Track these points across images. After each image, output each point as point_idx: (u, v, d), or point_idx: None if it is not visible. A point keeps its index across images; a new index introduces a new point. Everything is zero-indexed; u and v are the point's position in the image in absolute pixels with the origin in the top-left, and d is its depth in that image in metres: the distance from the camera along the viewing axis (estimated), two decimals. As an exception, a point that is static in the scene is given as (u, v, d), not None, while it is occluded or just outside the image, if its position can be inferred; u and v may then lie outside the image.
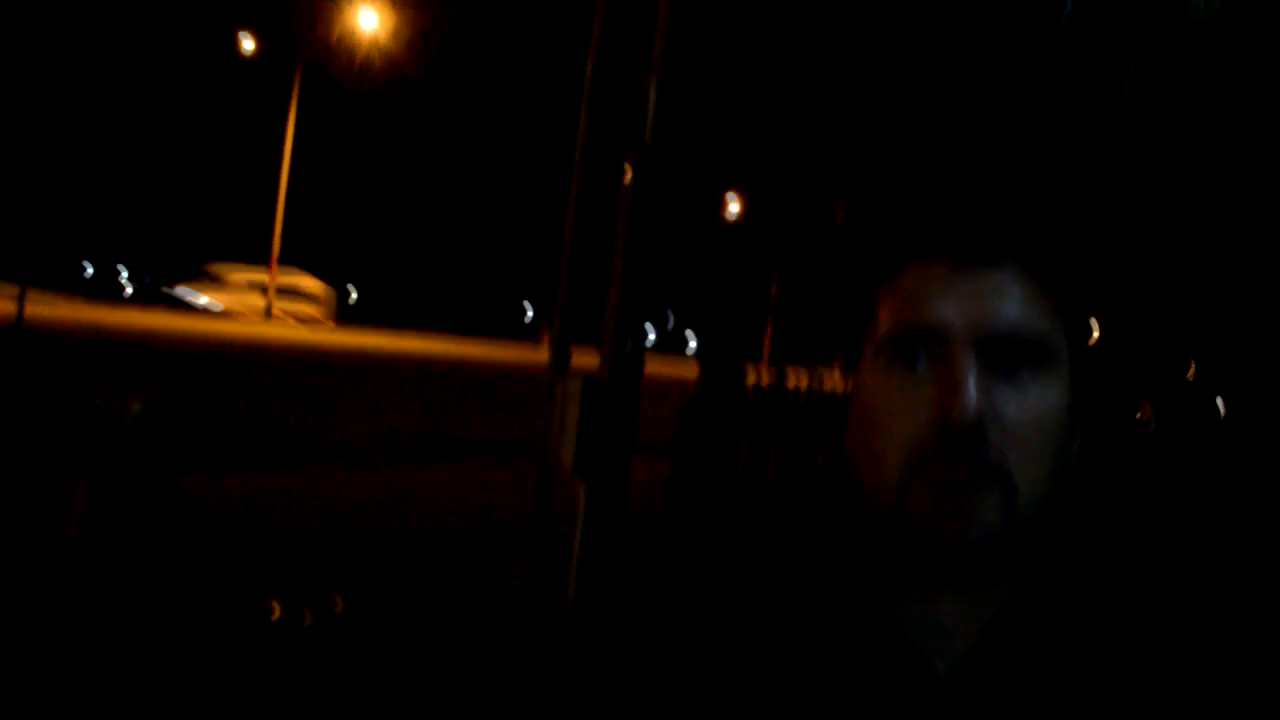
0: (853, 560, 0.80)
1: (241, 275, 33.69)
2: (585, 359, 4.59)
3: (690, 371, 6.94)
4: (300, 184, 32.83)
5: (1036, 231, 0.76)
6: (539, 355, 20.36)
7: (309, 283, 34.71)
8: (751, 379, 7.22)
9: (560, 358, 4.51)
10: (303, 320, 32.70)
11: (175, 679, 4.83)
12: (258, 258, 33.15)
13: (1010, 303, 0.73)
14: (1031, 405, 0.73)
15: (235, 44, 30.88)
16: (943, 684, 0.75)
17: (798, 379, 7.87)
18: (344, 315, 38.36)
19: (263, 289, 32.59)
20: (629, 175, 3.82)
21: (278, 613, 6.11)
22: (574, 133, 4.63)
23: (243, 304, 32.52)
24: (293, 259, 33.72)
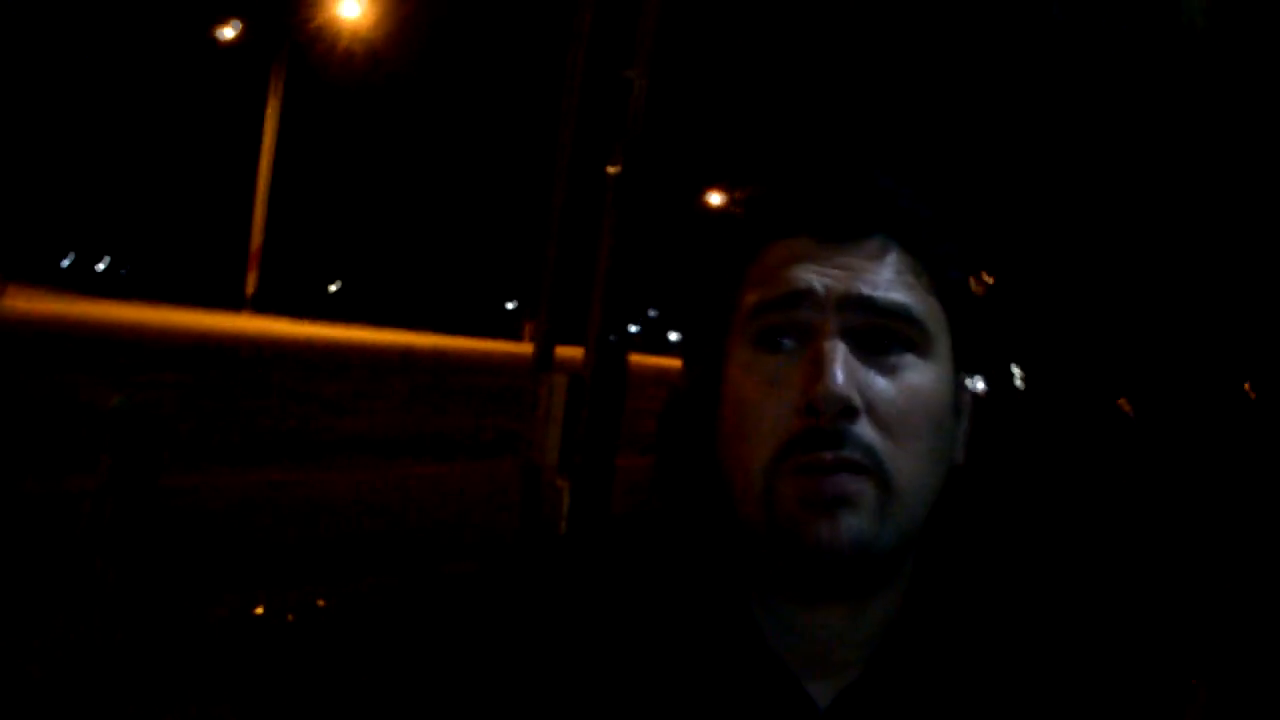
0: (724, 576, 0.73)
1: None
2: (570, 354, 4.57)
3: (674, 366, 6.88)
4: (282, 175, 32.61)
5: (902, 203, 0.71)
6: (521, 349, 20.32)
7: None
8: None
9: (544, 354, 4.46)
10: None
11: (160, 675, 4.80)
12: (239, 248, 32.94)
13: (878, 276, 0.68)
14: (905, 387, 0.67)
15: (215, 32, 30.66)
16: (822, 716, 0.69)
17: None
18: (324, 307, 38.20)
19: None
20: (615, 167, 3.78)
21: (261, 610, 6.08)
22: (559, 125, 4.59)
23: None
24: (276, 250, 33.53)
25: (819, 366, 0.65)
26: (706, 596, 0.72)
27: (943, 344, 0.70)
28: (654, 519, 0.79)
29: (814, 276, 0.68)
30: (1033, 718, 0.71)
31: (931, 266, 0.71)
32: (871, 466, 0.65)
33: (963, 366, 0.73)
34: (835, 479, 0.64)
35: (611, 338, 3.87)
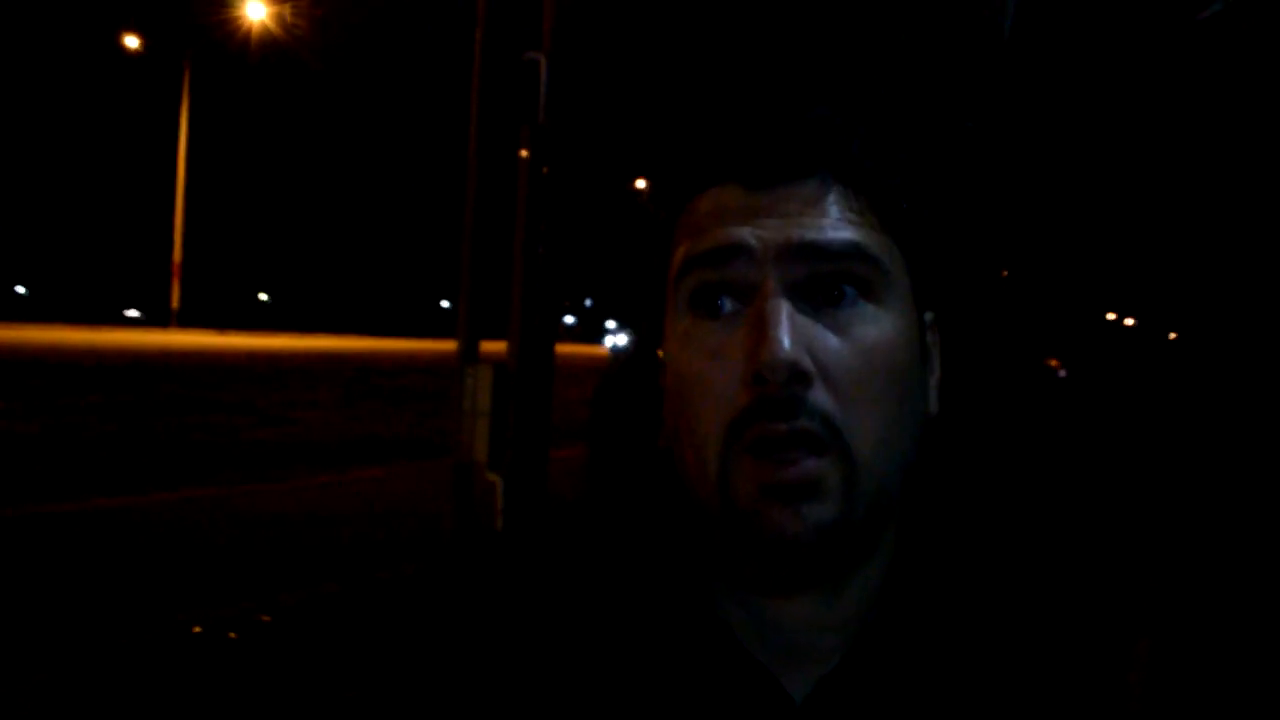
0: (682, 567, 0.66)
1: None
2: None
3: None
4: (202, 187, 32.01)
5: (838, 136, 0.63)
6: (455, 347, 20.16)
7: None
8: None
9: (468, 347, 4.34)
10: None
11: (102, 699, 4.66)
12: (160, 263, 32.25)
13: (820, 219, 0.61)
14: (861, 343, 0.60)
15: (120, 41, 29.89)
16: (799, 710, 0.62)
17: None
18: (254, 318, 37.66)
19: None
20: (525, 152, 3.69)
21: (198, 629, 5.93)
22: (468, 113, 4.49)
23: None
24: (198, 263, 32.92)
25: (762, 330, 0.58)
26: (666, 590, 0.66)
27: (901, 284, 0.63)
28: (597, 509, 0.73)
29: (746, 229, 0.61)
30: (1022, 694, 0.65)
31: (879, 201, 0.63)
32: (830, 438, 0.58)
33: (927, 306, 0.66)
34: (796, 465, 0.57)
35: (534, 324, 3.78)
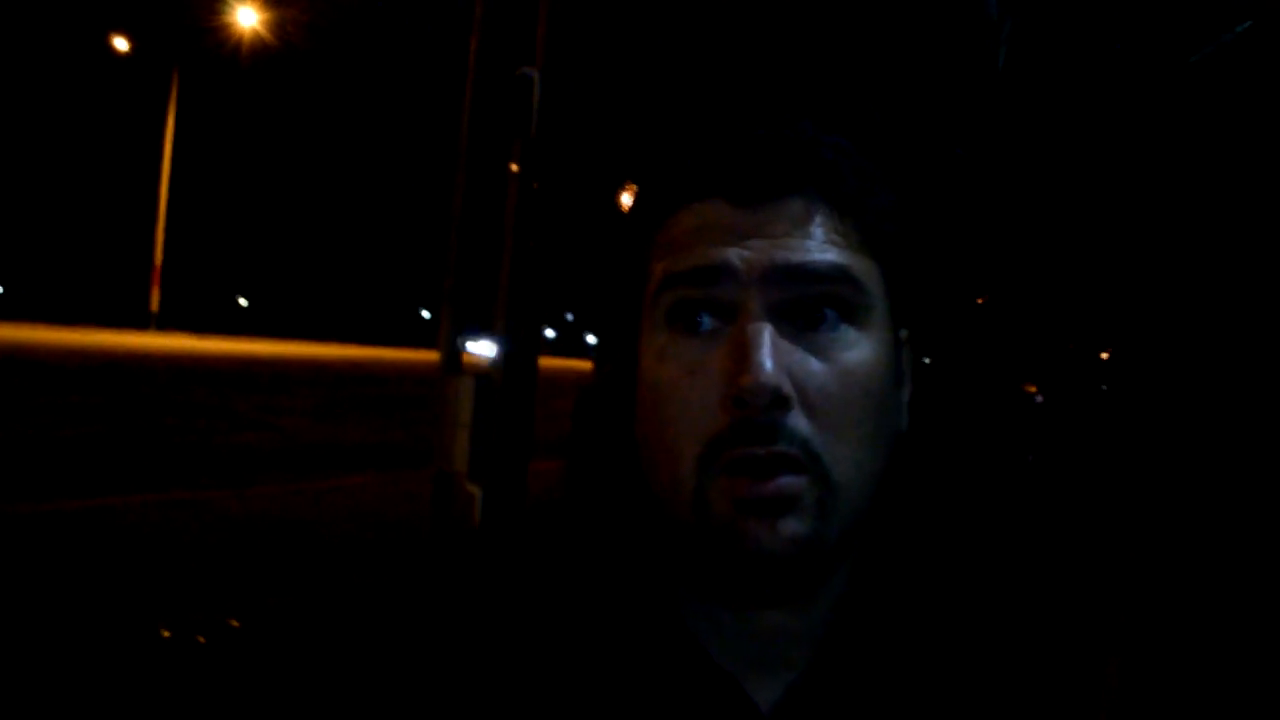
0: (650, 577, 0.66)
1: None
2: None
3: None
4: (186, 191, 31.84)
5: (825, 154, 0.63)
6: (437, 357, 20.07)
7: None
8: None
9: (450, 357, 4.35)
10: None
11: (67, 699, 4.61)
12: (140, 266, 32.04)
13: (805, 241, 0.61)
14: (841, 368, 0.60)
15: (109, 44, 29.75)
16: (766, 719, 0.63)
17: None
18: (234, 322, 37.44)
19: None
20: (516, 165, 3.71)
21: (167, 633, 5.87)
22: (459, 125, 4.50)
23: None
24: (178, 267, 32.72)
25: (744, 354, 0.58)
26: (634, 598, 0.66)
27: (881, 307, 0.63)
28: (570, 517, 0.73)
29: (731, 250, 0.60)
30: (986, 701, 0.66)
31: (864, 222, 0.63)
32: (809, 461, 0.59)
33: (902, 323, 0.67)
34: (773, 480, 0.58)
35: (518, 336, 3.79)
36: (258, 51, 28.07)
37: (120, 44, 29.78)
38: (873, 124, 0.67)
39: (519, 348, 3.83)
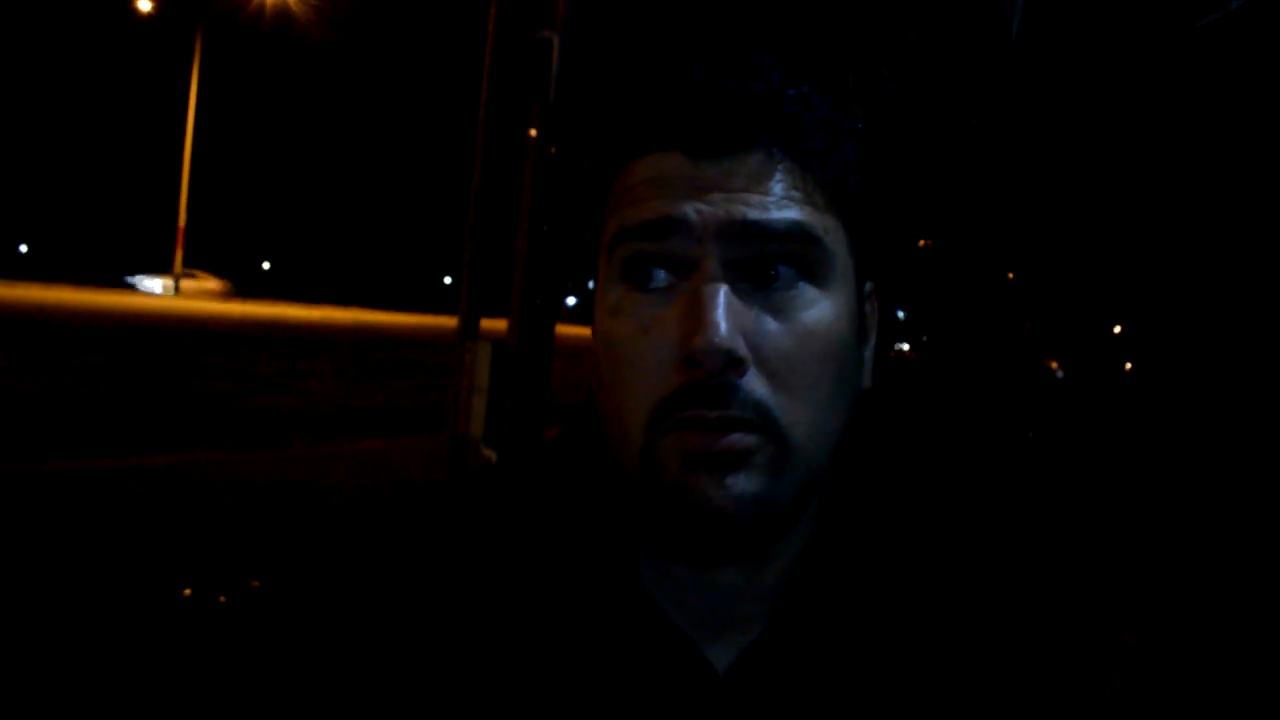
0: (607, 533, 0.64)
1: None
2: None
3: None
4: (210, 154, 31.91)
5: (787, 106, 0.60)
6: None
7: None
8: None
9: (468, 322, 4.33)
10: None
11: (87, 660, 4.68)
12: (165, 228, 32.19)
13: (765, 196, 0.58)
14: (798, 328, 0.58)
15: (132, 4, 29.74)
16: (722, 680, 0.62)
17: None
18: (257, 285, 37.61)
19: None
20: (534, 131, 3.69)
21: (189, 591, 5.95)
22: (479, 91, 4.48)
23: None
24: (206, 229, 32.86)
25: (698, 313, 0.56)
26: (590, 556, 0.64)
27: (843, 264, 0.61)
28: (536, 473, 0.70)
29: (687, 203, 0.57)
30: (949, 664, 0.66)
31: (827, 177, 0.60)
32: (763, 424, 0.57)
33: (867, 277, 0.64)
34: (725, 436, 0.56)
35: (536, 300, 3.77)
36: (281, 14, 28.01)
37: (144, 4, 29.77)
38: (839, 78, 0.65)
39: (536, 314, 3.82)
